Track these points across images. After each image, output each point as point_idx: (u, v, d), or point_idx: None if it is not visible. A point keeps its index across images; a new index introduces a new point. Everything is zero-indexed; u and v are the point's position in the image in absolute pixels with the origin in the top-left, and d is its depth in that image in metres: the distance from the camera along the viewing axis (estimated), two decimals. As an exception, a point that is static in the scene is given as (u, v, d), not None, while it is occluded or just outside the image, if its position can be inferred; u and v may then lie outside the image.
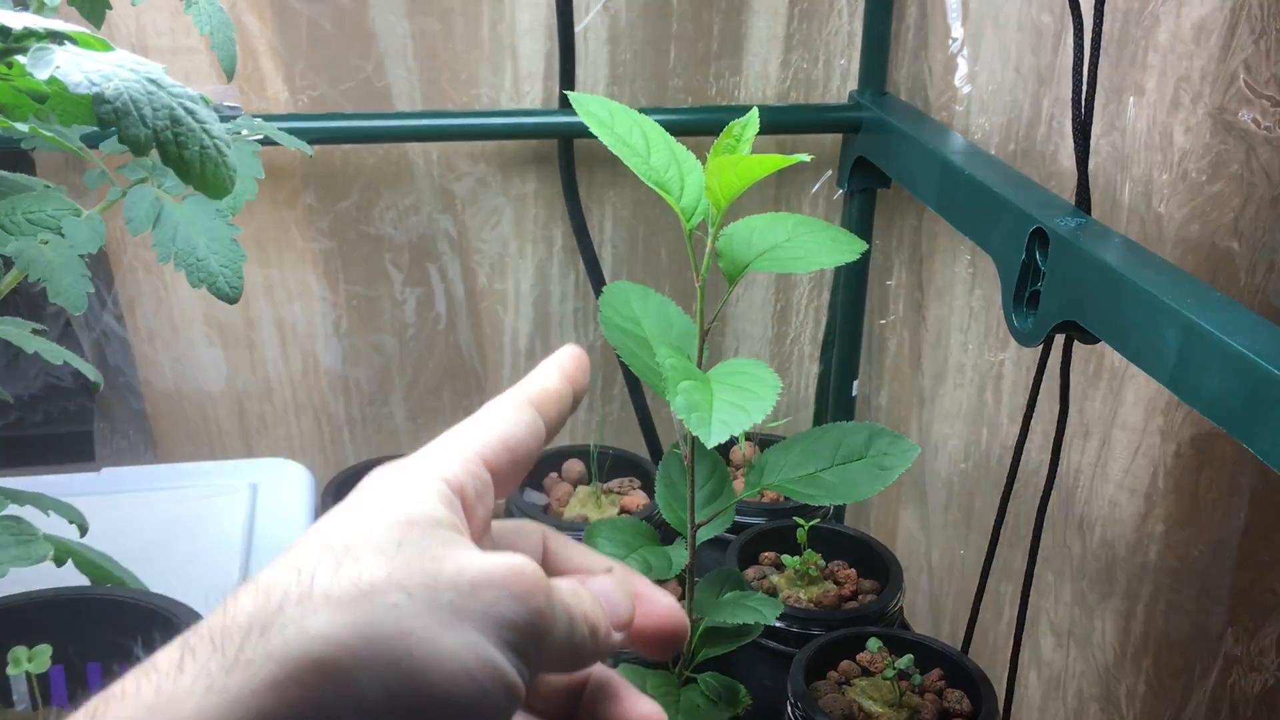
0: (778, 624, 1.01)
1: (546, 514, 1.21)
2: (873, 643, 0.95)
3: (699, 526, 0.80)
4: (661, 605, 0.44)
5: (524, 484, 1.23)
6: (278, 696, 0.31)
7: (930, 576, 1.36)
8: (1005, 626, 1.19)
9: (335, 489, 1.19)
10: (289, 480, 1.18)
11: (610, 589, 0.41)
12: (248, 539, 1.08)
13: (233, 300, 0.80)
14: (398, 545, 0.34)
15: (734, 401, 0.65)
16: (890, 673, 0.93)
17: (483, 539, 0.39)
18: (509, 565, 0.35)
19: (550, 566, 0.44)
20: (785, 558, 1.09)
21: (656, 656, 0.46)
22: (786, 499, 1.16)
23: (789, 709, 0.94)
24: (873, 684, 0.96)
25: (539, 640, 0.36)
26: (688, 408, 0.63)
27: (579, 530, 1.14)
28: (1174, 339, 0.71)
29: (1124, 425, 1.00)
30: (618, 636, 0.40)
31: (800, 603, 1.06)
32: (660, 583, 0.75)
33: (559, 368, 0.44)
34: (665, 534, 0.83)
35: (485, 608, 0.34)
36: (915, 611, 1.37)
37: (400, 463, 0.38)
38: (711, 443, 0.62)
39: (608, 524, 0.77)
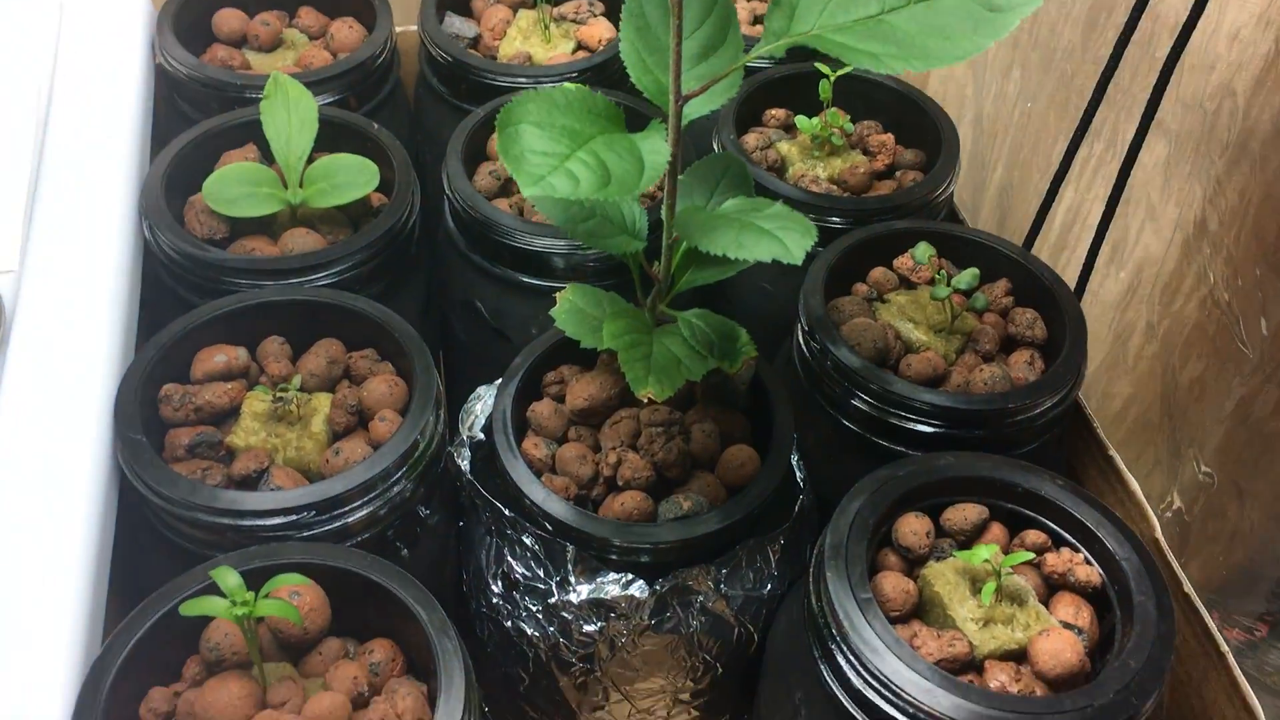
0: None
1: (476, 48, 0.89)
2: (922, 249, 0.69)
3: (686, 99, 0.50)
4: None
5: (445, 8, 0.90)
6: None
7: (977, 126, 1.07)
8: (1071, 204, 0.93)
9: None
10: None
11: None
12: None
13: None
14: None
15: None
16: (943, 290, 0.67)
17: None
18: None
19: None
20: (800, 119, 0.80)
21: None
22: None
23: (799, 334, 0.70)
24: (914, 300, 0.70)
25: None
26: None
27: (519, 77, 0.84)
28: None
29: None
30: None
31: (818, 184, 0.78)
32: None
33: None
34: (635, 116, 0.53)
35: None
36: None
37: None
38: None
39: (543, 100, 0.47)
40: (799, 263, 0.47)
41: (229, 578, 0.49)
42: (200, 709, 0.49)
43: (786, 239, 0.48)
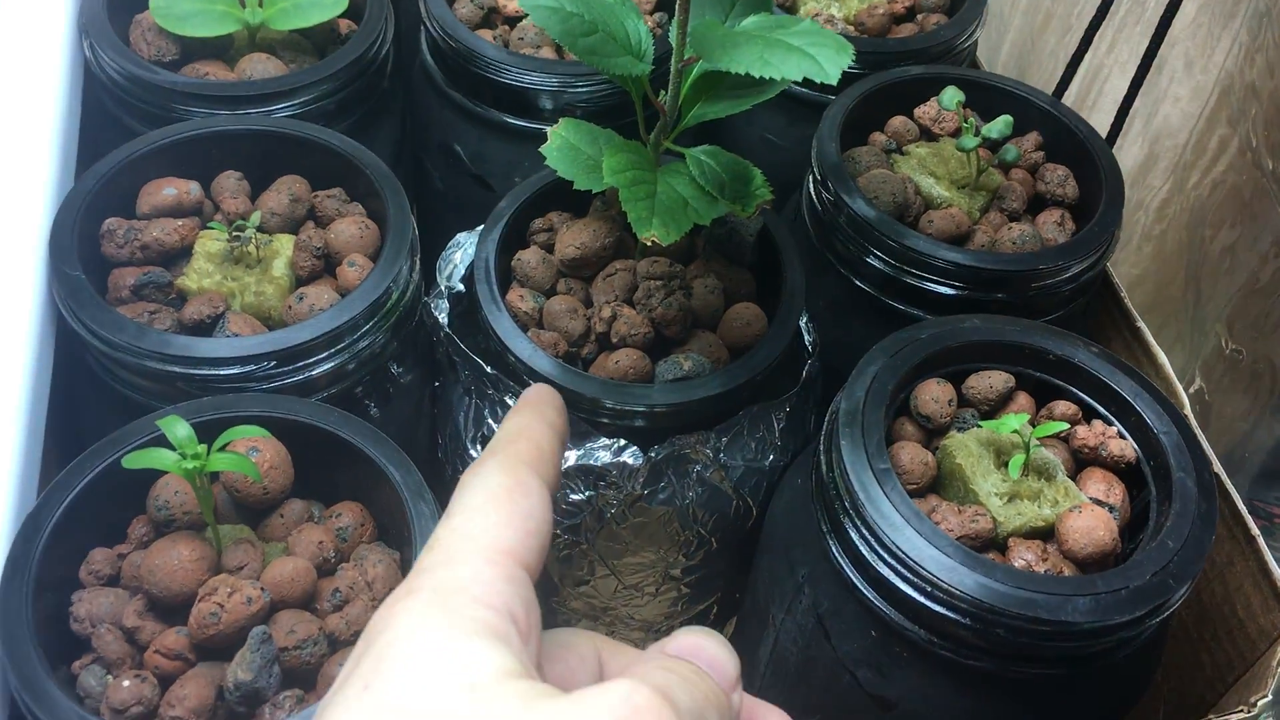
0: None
1: None
2: (950, 95, 0.63)
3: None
4: None
5: None
6: None
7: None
8: (1089, 67, 0.87)
9: None
10: None
11: (706, 647, 0.32)
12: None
13: None
14: None
15: None
16: (971, 141, 0.61)
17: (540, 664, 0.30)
18: (610, 703, 0.27)
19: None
20: (814, -48, 0.73)
21: None
22: None
23: (810, 186, 0.64)
24: (936, 153, 0.65)
25: None
26: None
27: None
28: None
29: None
30: (736, 698, 0.32)
31: (833, 24, 0.71)
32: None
33: (541, 417, 0.36)
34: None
35: None
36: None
37: (421, 592, 0.29)
38: None
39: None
40: (834, 81, 0.41)
41: (178, 428, 0.44)
42: (146, 572, 0.44)
43: (819, 55, 0.42)
